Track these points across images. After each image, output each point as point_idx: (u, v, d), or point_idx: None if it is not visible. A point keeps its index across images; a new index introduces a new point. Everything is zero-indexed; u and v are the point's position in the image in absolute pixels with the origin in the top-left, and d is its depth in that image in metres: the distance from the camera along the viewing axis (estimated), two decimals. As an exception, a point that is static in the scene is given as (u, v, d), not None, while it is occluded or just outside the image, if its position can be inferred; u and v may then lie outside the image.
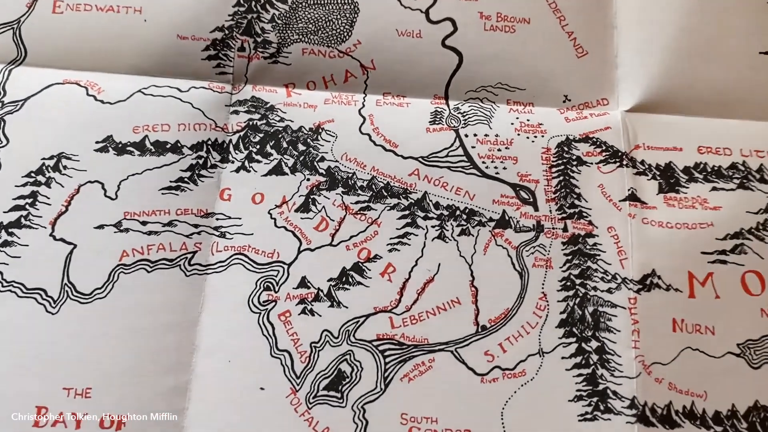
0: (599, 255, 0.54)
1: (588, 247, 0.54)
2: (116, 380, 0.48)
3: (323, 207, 0.54)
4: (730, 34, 0.60)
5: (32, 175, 0.53)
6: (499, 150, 0.57)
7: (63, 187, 0.53)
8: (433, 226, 0.54)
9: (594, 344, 0.51)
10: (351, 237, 0.54)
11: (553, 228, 0.54)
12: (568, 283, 0.53)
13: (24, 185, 0.53)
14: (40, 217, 0.52)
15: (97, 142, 0.55)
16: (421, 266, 0.53)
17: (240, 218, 0.54)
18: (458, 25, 0.60)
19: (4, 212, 0.52)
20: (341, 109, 0.58)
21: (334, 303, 0.51)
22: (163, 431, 0.48)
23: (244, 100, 0.58)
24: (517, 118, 0.58)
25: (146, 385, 0.48)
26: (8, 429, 0.47)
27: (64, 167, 0.54)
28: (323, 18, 0.60)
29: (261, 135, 0.57)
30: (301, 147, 0.56)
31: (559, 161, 0.57)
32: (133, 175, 0.54)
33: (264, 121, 0.57)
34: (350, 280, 0.52)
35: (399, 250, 0.53)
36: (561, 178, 0.56)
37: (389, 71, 0.59)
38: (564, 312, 0.52)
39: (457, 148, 0.57)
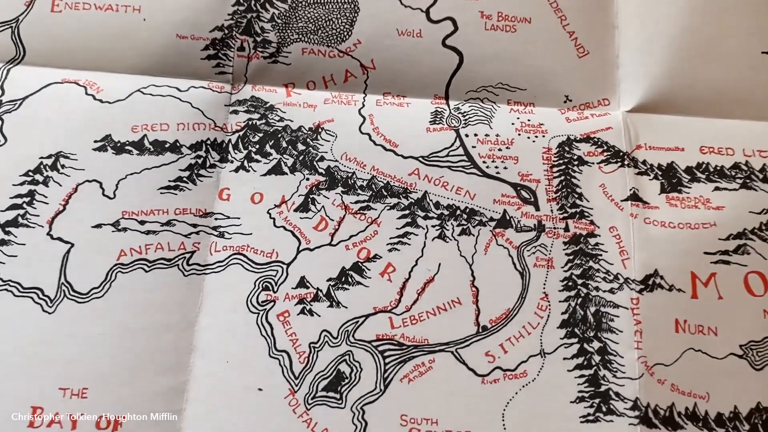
0: (601, 255, 0.53)
1: (590, 247, 0.54)
2: (113, 380, 0.48)
3: (323, 207, 0.54)
4: (731, 34, 0.59)
5: (30, 174, 0.53)
6: (499, 150, 0.57)
7: (61, 186, 0.53)
8: (433, 226, 0.54)
9: (596, 345, 0.51)
10: (350, 237, 0.53)
11: (555, 228, 0.54)
12: (570, 283, 0.52)
13: (22, 184, 0.52)
14: (38, 216, 0.52)
15: (95, 141, 0.54)
16: (421, 266, 0.52)
17: (239, 218, 0.53)
18: (459, 24, 0.60)
19: (2, 211, 0.51)
20: (341, 109, 0.58)
21: (334, 303, 0.51)
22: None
23: (243, 100, 0.58)
24: (518, 118, 0.58)
25: (143, 386, 0.48)
26: (5, 429, 0.46)
27: (62, 166, 0.53)
28: (323, 17, 0.60)
29: (260, 135, 0.56)
30: (301, 146, 0.56)
31: (560, 161, 0.56)
32: (131, 174, 0.54)
33: (263, 121, 0.57)
34: (350, 280, 0.52)
35: (399, 250, 0.53)
36: (562, 177, 0.56)
37: (389, 71, 0.59)
38: (566, 312, 0.52)
39: (457, 148, 0.57)
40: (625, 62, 0.60)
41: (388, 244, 0.53)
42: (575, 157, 0.57)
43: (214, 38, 0.58)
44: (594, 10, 0.61)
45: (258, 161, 0.55)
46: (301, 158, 0.56)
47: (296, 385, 0.49)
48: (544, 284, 0.52)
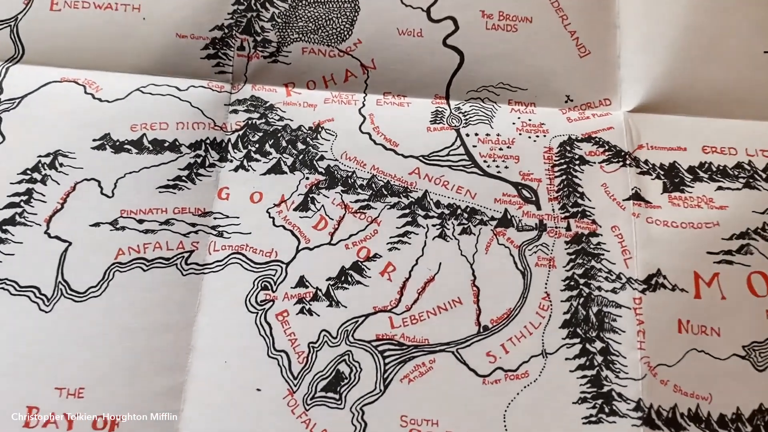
0: (603, 254, 0.53)
1: (592, 246, 0.53)
2: (110, 380, 0.47)
3: (322, 206, 0.54)
4: (733, 34, 0.59)
5: (28, 172, 0.53)
6: (500, 149, 0.56)
7: (59, 184, 0.52)
8: (433, 225, 0.53)
9: (598, 345, 0.50)
10: (350, 236, 0.53)
11: (556, 227, 0.54)
12: (572, 283, 0.52)
13: (19, 182, 0.52)
14: (35, 214, 0.51)
15: (94, 140, 0.54)
16: (421, 265, 0.52)
17: (238, 217, 0.53)
18: (460, 23, 0.59)
19: (-1, 209, 0.51)
20: (341, 109, 0.58)
21: (333, 302, 0.51)
22: (160, 432, 0.47)
23: (243, 99, 0.57)
24: (519, 118, 0.58)
25: (141, 386, 0.47)
26: (3, 429, 0.46)
27: (61, 165, 0.53)
28: (323, 17, 0.59)
29: (260, 134, 0.56)
30: (301, 146, 0.56)
31: (562, 160, 0.56)
32: (130, 173, 0.53)
33: (263, 120, 0.57)
34: (349, 279, 0.51)
35: (399, 249, 0.53)
36: (563, 177, 0.55)
37: (390, 71, 0.59)
38: (568, 312, 0.51)
39: (458, 147, 0.56)
40: (626, 62, 0.59)
41: (388, 244, 0.53)
42: (577, 157, 0.56)
43: (214, 37, 0.58)
44: (595, 10, 0.61)
45: (257, 160, 0.55)
46: (300, 157, 0.55)
47: (295, 386, 0.48)
48: (546, 284, 0.52)
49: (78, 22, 0.57)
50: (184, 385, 0.48)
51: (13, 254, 0.50)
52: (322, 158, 0.55)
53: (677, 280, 0.52)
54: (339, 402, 0.48)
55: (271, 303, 0.50)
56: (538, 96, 0.59)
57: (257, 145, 0.56)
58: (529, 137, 0.57)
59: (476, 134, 0.57)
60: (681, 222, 0.54)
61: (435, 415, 0.48)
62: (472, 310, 0.51)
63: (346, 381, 0.49)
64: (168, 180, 0.53)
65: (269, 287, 0.51)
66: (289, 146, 0.56)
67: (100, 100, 0.56)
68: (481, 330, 0.50)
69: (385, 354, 0.49)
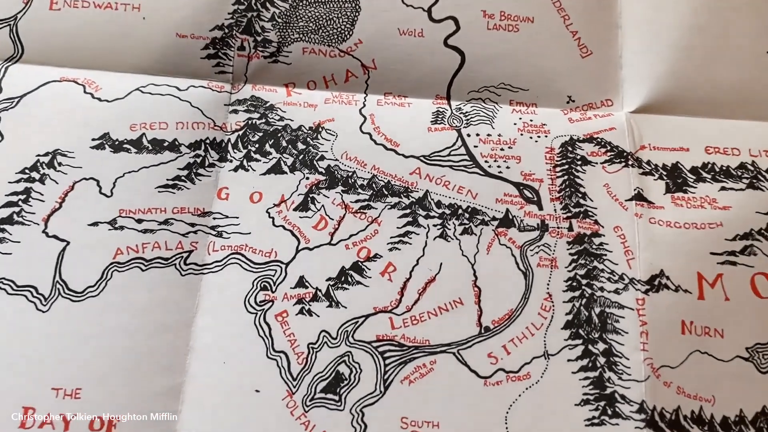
0: (606, 255, 0.52)
1: (594, 246, 0.53)
2: (107, 381, 0.47)
3: (322, 206, 0.53)
4: (736, 34, 0.59)
5: (26, 171, 0.52)
6: (502, 149, 0.56)
7: (57, 183, 0.52)
8: (434, 225, 0.53)
9: (601, 346, 0.50)
10: (350, 236, 0.52)
11: (558, 227, 0.53)
12: (574, 284, 0.51)
13: (17, 182, 0.52)
14: (33, 213, 0.51)
15: (93, 140, 0.54)
16: (422, 265, 0.52)
17: (237, 217, 0.53)
18: (461, 23, 0.59)
19: (-4, 209, 0.51)
20: (342, 109, 0.57)
21: (333, 303, 0.50)
22: (158, 432, 0.46)
23: (243, 100, 0.57)
24: (520, 118, 0.58)
25: (139, 387, 0.47)
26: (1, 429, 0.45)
27: (59, 164, 0.53)
28: (324, 17, 0.59)
29: (260, 134, 0.56)
30: (301, 146, 0.56)
31: (564, 161, 0.56)
32: (129, 172, 0.53)
33: (263, 120, 0.56)
34: (349, 279, 0.51)
35: (400, 249, 0.52)
36: (565, 177, 0.55)
37: (390, 71, 0.58)
38: (570, 313, 0.51)
39: (459, 148, 0.56)
40: (628, 62, 0.59)
41: (388, 244, 0.52)
42: (578, 157, 0.56)
43: (214, 37, 0.58)
44: (597, 10, 0.60)
45: (257, 160, 0.55)
46: (300, 157, 0.55)
47: (294, 387, 0.48)
48: (548, 284, 0.51)
49: (78, 22, 0.57)
50: (183, 386, 0.47)
51: (10, 253, 0.49)
52: (322, 158, 0.55)
53: (680, 281, 0.51)
54: (339, 403, 0.48)
55: (270, 303, 0.50)
56: (539, 96, 0.58)
57: (257, 145, 0.55)
58: (531, 138, 0.57)
59: (477, 134, 0.57)
60: (684, 222, 0.53)
61: (436, 417, 0.47)
62: (473, 311, 0.50)
63: (345, 382, 0.48)
64: (167, 180, 0.53)
65: (269, 287, 0.50)
66: (290, 146, 0.55)
67: (99, 99, 0.55)
68: (483, 331, 0.50)
69: (386, 355, 0.49)
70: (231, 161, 0.55)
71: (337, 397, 0.48)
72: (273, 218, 0.53)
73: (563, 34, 0.60)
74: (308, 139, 0.56)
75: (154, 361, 0.48)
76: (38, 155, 0.53)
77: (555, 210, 0.54)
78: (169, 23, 0.57)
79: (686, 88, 0.58)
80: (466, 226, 0.53)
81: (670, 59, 0.58)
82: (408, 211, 0.53)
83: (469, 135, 0.57)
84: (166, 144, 0.54)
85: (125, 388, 0.47)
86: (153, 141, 0.54)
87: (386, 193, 0.54)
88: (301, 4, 0.60)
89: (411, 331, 0.50)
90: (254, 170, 0.54)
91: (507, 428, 0.47)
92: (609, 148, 0.56)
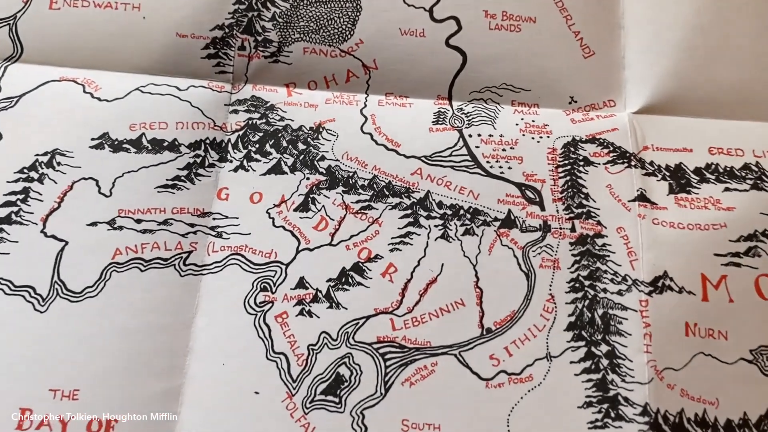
0: (608, 256, 0.52)
1: (597, 247, 0.52)
2: (106, 382, 0.46)
3: (323, 206, 0.53)
4: (739, 34, 0.59)
5: (25, 171, 0.52)
6: (503, 150, 0.56)
7: (56, 183, 0.52)
8: (436, 226, 0.53)
9: (604, 348, 0.49)
10: (351, 236, 0.52)
11: (561, 228, 0.53)
12: (577, 285, 0.51)
13: (16, 181, 0.52)
14: (32, 213, 0.51)
15: (92, 139, 0.54)
16: (423, 266, 0.51)
17: (237, 218, 0.52)
18: (462, 23, 0.59)
19: (-6, 208, 0.51)
20: (343, 109, 0.57)
21: (333, 304, 0.50)
22: (156, 433, 0.46)
23: (243, 100, 0.57)
24: (522, 119, 0.57)
25: (137, 388, 0.47)
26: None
27: (58, 164, 0.52)
28: (325, 16, 0.59)
29: (260, 134, 0.55)
30: (301, 146, 0.55)
31: (566, 161, 0.55)
32: (128, 172, 0.53)
33: (264, 121, 0.56)
34: (350, 280, 0.51)
35: (401, 250, 0.52)
36: (568, 178, 0.55)
37: (392, 71, 0.58)
38: (572, 314, 0.50)
39: (460, 148, 0.56)
40: (631, 63, 0.59)
41: (389, 244, 0.52)
42: (581, 158, 0.56)
43: (215, 37, 0.58)
44: (600, 10, 0.60)
45: (258, 161, 0.55)
46: (301, 158, 0.55)
47: (294, 389, 0.47)
48: (551, 285, 0.51)
49: (77, 21, 0.57)
50: (182, 387, 0.47)
51: (8, 253, 0.49)
52: (323, 158, 0.55)
53: (684, 282, 0.51)
54: (339, 405, 0.47)
55: (270, 304, 0.50)
56: (541, 97, 0.58)
57: (257, 145, 0.55)
58: (533, 138, 0.56)
59: (479, 135, 0.56)
60: (688, 223, 0.53)
61: (437, 420, 0.47)
62: (475, 312, 0.50)
63: (346, 384, 0.48)
64: (167, 180, 0.53)
65: (268, 288, 0.50)
66: (290, 146, 0.55)
67: (99, 99, 0.55)
68: (484, 332, 0.49)
69: (386, 356, 0.49)
70: (231, 161, 0.54)
71: (337, 399, 0.47)
72: (273, 219, 0.52)
73: (565, 34, 0.59)
74: (309, 139, 0.56)
75: (153, 362, 0.47)
76: (37, 155, 0.53)
77: (557, 211, 0.54)
78: (170, 23, 0.57)
79: (689, 88, 0.58)
80: (468, 227, 0.53)
81: (673, 59, 0.58)
82: (409, 211, 0.53)
83: (470, 135, 0.56)
84: (165, 144, 0.54)
85: (123, 389, 0.46)
86: (153, 141, 0.54)
87: (387, 193, 0.54)
88: (301, 3, 0.59)
89: (412, 332, 0.49)
90: (254, 170, 0.54)
91: (509, 431, 0.47)
92: (612, 148, 0.56)
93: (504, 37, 0.59)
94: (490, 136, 0.56)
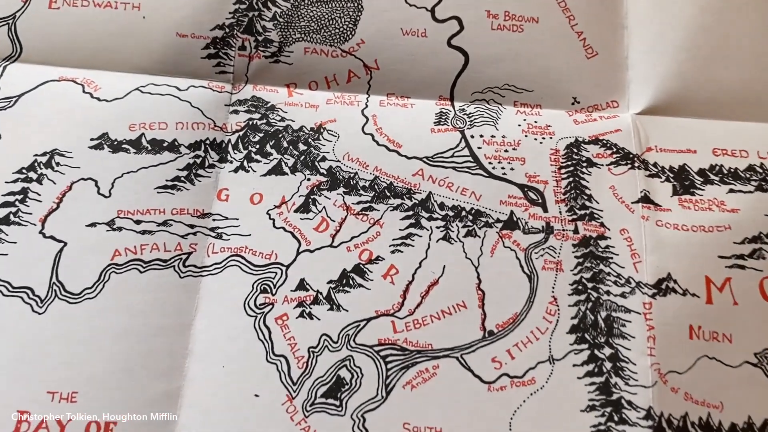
0: (612, 258, 0.52)
1: (600, 249, 0.52)
2: (104, 384, 0.46)
3: (324, 207, 0.53)
4: (744, 35, 0.58)
5: (24, 171, 0.52)
6: (506, 151, 0.55)
7: (55, 183, 0.52)
8: (437, 227, 0.52)
9: (607, 351, 0.49)
10: (352, 238, 0.52)
11: (564, 230, 0.53)
12: (580, 287, 0.51)
13: (15, 181, 0.51)
14: (30, 214, 0.50)
15: (91, 140, 0.53)
16: (425, 268, 0.51)
17: (237, 219, 0.52)
18: (464, 23, 0.59)
19: (-7, 209, 0.50)
20: (344, 109, 0.57)
21: (334, 306, 0.49)
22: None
23: (244, 100, 0.57)
24: (525, 119, 0.57)
25: (136, 390, 0.46)
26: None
27: (57, 164, 0.52)
28: (326, 16, 0.59)
29: (261, 135, 0.55)
30: (302, 147, 0.55)
31: (569, 162, 0.55)
32: (128, 173, 0.52)
33: (264, 121, 0.56)
34: (351, 282, 0.50)
35: (402, 252, 0.51)
36: (571, 179, 0.54)
37: (393, 71, 0.58)
38: (575, 317, 0.50)
39: (462, 149, 0.55)
40: (634, 63, 0.59)
41: (390, 246, 0.52)
42: (584, 159, 0.55)
43: (215, 37, 0.57)
44: (603, 10, 0.60)
45: (258, 161, 0.54)
46: (302, 158, 0.54)
47: (294, 392, 0.47)
48: (553, 288, 0.50)
49: (77, 21, 0.57)
50: (181, 389, 0.47)
51: (6, 254, 0.49)
52: (323, 159, 0.55)
53: (688, 284, 0.50)
54: (339, 409, 0.47)
55: (270, 306, 0.49)
56: (544, 98, 0.58)
57: (258, 146, 0.55)
58: (535, 139, 0.56)
59: (481, 136, 0.56)
60: (692, 225, 0.52)
61: (439, 423, 0.47)
62: (477, 315, 0.50)
63: (347, 387, 0.47)
64: (166, 180, 0.53)
65: (269, 290, 0.50)
66: (291, 147, 0.55)
67: (98, 99, 0.55)
68: (487, 335, 0.49)
69: (388, 359, 0.48)
70: (231, 162, 0.54)
71: (338, 402, 0.47)
72: (273, 220, 0.52)
73: (568, 34, 0.59)
74: (310, 139, 0.55)
75: (152, 364, 0.47)
76: (36, 155, 0.52)
77: (560, 212, 0.53)
78: (170, 22, 0.57)
79: (693, 89, 0.57)
80: (470, 228, 0.52)
81: (676, 60, 0.58)
82: (411, 212, 0.53)
83: (472, 136, 0.56)
84: (165, 144, 0.54)
85: (122, 391, 0.46)
86: (152, 141, 0.54)
87: (388, 194, 0.53)
88: (302, 3, 0.59)
89: (413, 334, 0.49)
90: (255, 171, 0.54)
91: (511, 434, 0.47)
92: (615, 149, 0.56)
93: (506, 38, 0.58)
94: (493, 136, 0.56)
